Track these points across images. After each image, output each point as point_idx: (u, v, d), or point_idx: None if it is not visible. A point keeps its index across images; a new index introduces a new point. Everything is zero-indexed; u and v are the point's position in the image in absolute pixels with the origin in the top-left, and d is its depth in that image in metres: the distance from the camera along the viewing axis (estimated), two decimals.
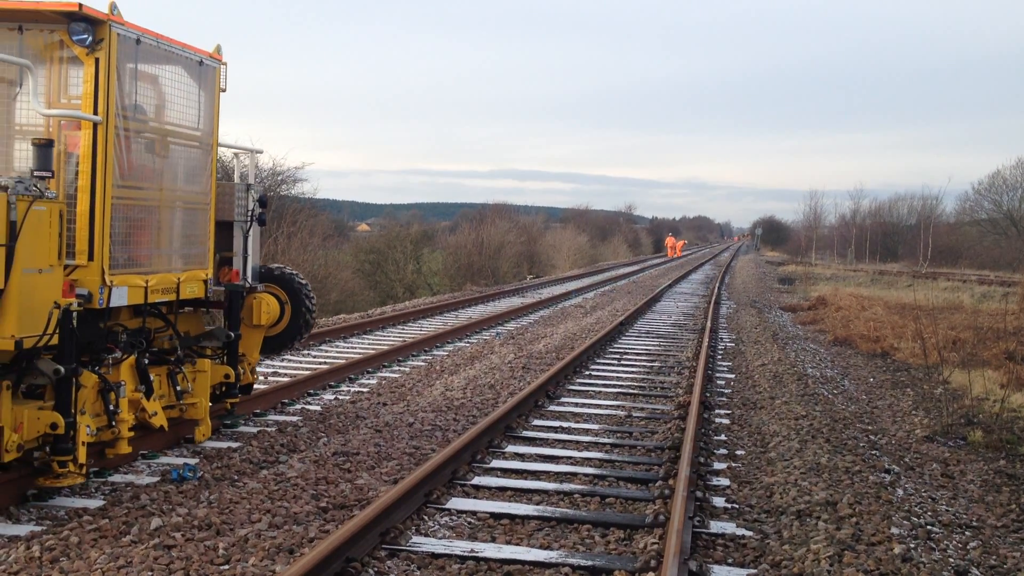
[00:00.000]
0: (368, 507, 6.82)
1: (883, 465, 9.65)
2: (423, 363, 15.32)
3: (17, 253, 6.51)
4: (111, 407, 7.76)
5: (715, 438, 10.62)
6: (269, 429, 10.07)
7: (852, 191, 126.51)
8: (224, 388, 9.79)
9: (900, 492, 8.73)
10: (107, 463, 8.19)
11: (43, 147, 7.01)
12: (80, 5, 7.23)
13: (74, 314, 7.09)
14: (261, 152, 10.55)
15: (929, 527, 7.72)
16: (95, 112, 7.40)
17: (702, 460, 9.37)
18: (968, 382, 13.90)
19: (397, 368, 14.70)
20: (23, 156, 7.72)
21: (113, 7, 7.52)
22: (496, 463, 9.06)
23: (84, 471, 7.34)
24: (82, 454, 7.25)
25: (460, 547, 6.66)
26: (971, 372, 14.43)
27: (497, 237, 50.50)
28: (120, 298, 7.68)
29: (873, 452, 10.28)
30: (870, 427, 11.92)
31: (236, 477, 8.20)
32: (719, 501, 8.10)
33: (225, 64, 9.24)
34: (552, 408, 11.97)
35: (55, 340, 6.88)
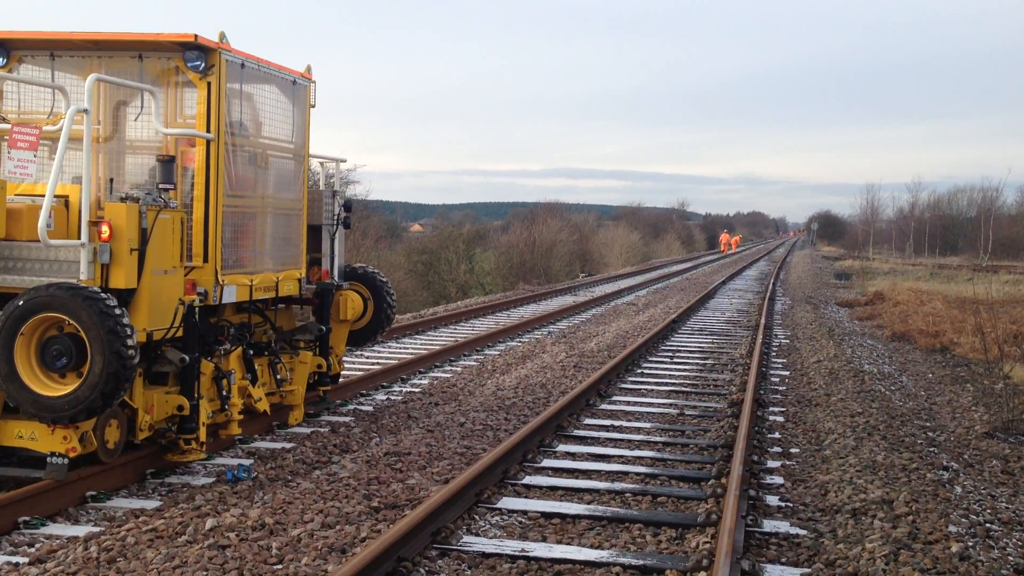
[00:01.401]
0: (419, 507, 6.85)
1: (941, 462, 9.48)
2: (475, 363, 15.35)
3: (147, 256, 7.51)
4: (224, 393, 8.69)
5: (769, 436, 10.51)
6: (322, 429, 10.15)
7: (910, 184, 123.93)
8: (316, 377, 10.74)
9: (958, 490, 8.57)
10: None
11: (166, 163, 7.97)
12: (196, 36, 8.08)
13: (196, 309, 8.07)
14: (345, 161, 11.73)
15: (988, 525, 7.57)
16: (208, 130, 8.24)
17: (755, 458, 9.28)
18: None
19: (449, 368, 14.75)
20: (133, 169, 8.65)
21: (223, 36, 8.33)
22: (547, 462, 9.05)
23: (204, 449, 8.31)
24: (203, 433, 8.25)
25: (511, 547, 6.66)
26: None
27: (549, 236, 50.46)
28: (230, 295, 8.58)
29: (931, 449, 10.11)
30: (928, 424, 11.73)
31: (289, 477, 8.29)
32: (772, 500, 8.02)
33: (314, 82, 10.01)
34: (603, 407, 11.93)
35: (179, 333, 7.92)
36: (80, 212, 7.28)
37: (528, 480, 8.38)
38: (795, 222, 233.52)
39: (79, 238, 7.27)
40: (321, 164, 11.32)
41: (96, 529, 6.78)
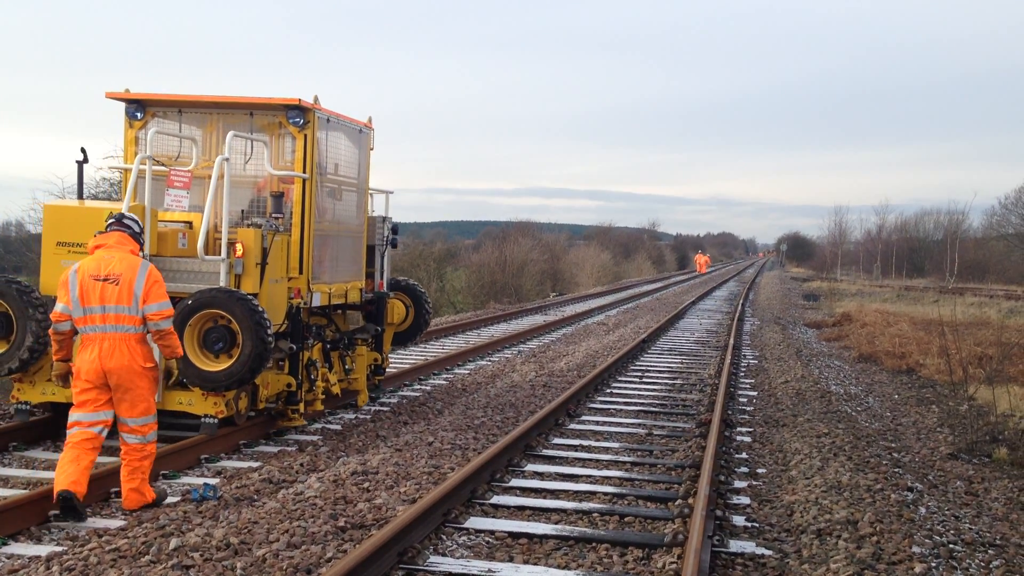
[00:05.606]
0: (386, 526, 6.82)
1: (906, 483, 9.56)
2: (444, 381, 15.33)
3: (267, 269, 9.79)
4: (312, 376, 10.77)
5: (736, 456, 10.56)
6: (289, 448, 10.10)
7: (877, 206, 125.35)
8: (372, 369, 12.86)
9: (923, 510, 8.64)
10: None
11: (277, 197, 10.22)
12: (299, 100, 10.25)
13: (300, 310, 10.34)
14: (393, 192, 13.68)
15: (951, 546, 7.64)
16: (304, 171, 10.39)
17: (722, 478, 9.32)
18: (994, 398, 13.75)
19: (418, 387, 14.72)
20: (230, 200, 10.00)
21: (316, 99, 10.38)
22: (515, 482, 9.04)
23: (303, 419, 10.73)
24: (303, 406, 10.67)
25: (478, 567, 6.65)
26: (997, 388, 14.27)
27: (520, 255, 50.40)
28: (317, 300, 10.75)
29: (896, 470, 10.20)
30: (893, 445, 11.82)
31: (255, 496, 8.23)
32: (739, 520, 8.05)
33: (373, 130, 12.12)
34: (572, 426, 11.95)
35: (287, 328, 10.17)
36: (201, 235, 9.42)
37: (496, 500, 8.37)
38: (765, 243, 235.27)
39: (198, 255, 9.49)
40: (371, 195, 12.76)
41: (59, 548, 6.70)
